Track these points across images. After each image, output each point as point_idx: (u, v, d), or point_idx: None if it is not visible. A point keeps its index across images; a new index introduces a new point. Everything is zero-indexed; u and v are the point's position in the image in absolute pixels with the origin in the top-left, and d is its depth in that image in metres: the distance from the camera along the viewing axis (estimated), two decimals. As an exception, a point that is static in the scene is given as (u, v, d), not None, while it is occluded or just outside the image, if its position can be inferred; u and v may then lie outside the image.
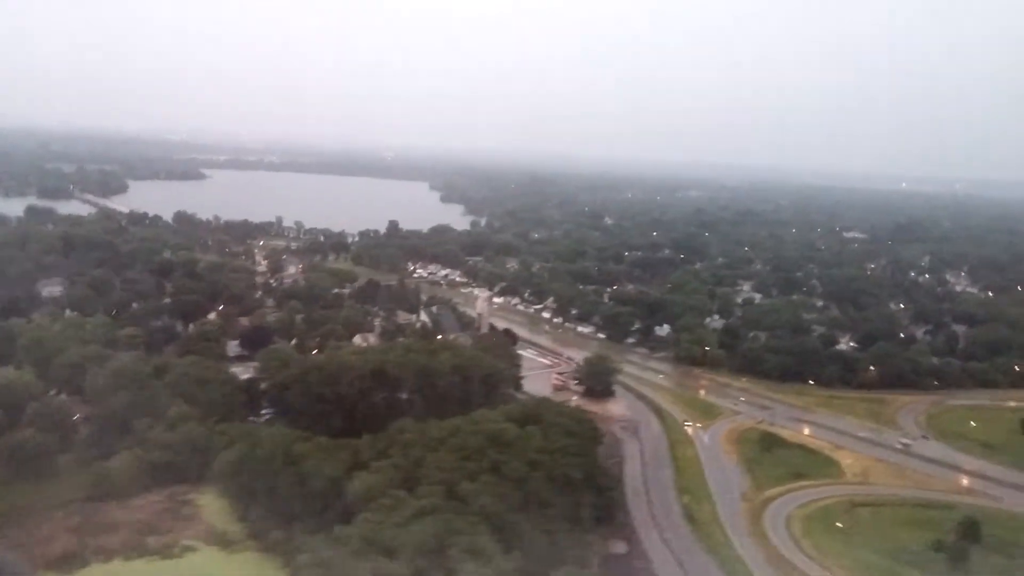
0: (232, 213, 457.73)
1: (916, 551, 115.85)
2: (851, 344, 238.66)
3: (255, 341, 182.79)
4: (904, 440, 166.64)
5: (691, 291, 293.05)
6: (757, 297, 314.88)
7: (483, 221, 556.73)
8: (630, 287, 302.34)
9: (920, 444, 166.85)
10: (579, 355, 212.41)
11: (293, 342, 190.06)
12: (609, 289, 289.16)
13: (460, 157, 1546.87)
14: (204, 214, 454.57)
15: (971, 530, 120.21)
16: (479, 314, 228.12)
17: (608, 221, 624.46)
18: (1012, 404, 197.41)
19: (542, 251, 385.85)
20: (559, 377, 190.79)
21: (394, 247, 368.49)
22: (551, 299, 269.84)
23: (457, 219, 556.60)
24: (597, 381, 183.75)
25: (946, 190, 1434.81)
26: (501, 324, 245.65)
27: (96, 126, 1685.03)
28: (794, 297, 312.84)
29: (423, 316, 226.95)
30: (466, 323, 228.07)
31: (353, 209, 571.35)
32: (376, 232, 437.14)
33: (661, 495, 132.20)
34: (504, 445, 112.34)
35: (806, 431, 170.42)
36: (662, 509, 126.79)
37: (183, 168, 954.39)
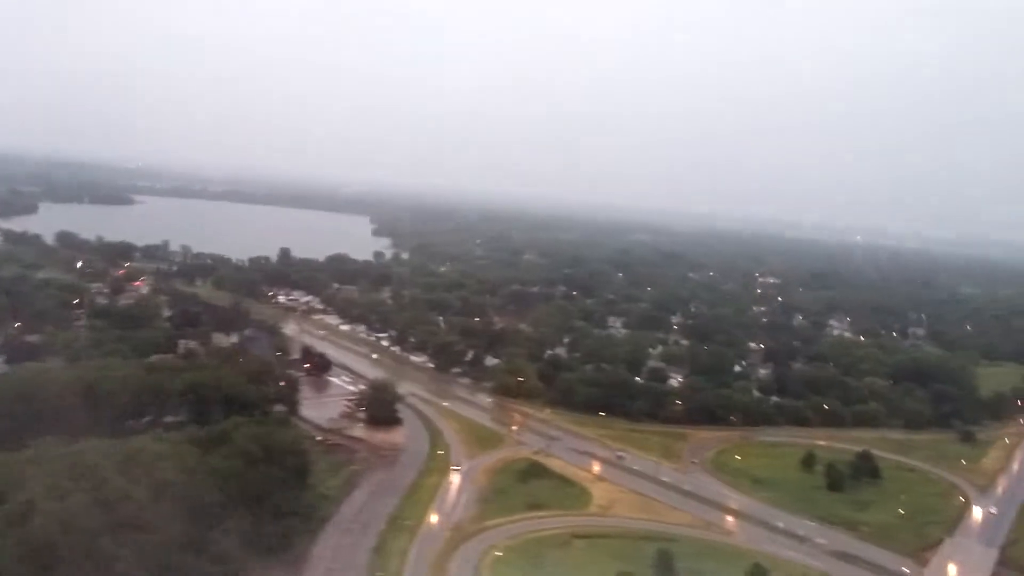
0: (130, 236, 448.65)
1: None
2: (679, 380, 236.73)
3: (17, 356, 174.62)
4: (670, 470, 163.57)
5: (547, 324, 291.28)
6: (621, 332, 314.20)
7: (389, 254, 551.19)
8: (490, 319, 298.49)
9: (685, 478, 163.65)
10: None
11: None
12: (460, 320, 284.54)
13: (418, 194, 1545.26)
14: (94, 236, 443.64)
15: (664, 562, 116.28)
16: (290, 338, 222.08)
17: (527, 257, 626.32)
18: (816, 442, 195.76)
19: (427, 282, 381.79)
20: (348, 404, 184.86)
21: (261, 273, 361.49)
22: (393, 329, 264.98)
23: (375, 250, 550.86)
24: (380, 408, 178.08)
25: (898, 244, 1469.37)
26: (333, 350, 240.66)
27: (44, 150, 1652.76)
28: (658, 334, 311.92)
29: (236, 339, 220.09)
30: (285, 348, 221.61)
31: (266, 238, 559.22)
32: (267, 259, 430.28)
33: (365, 526, 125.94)
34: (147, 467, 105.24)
35: (578, 463, 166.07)
36: (353, 540, 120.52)
37: (111, 193, 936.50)
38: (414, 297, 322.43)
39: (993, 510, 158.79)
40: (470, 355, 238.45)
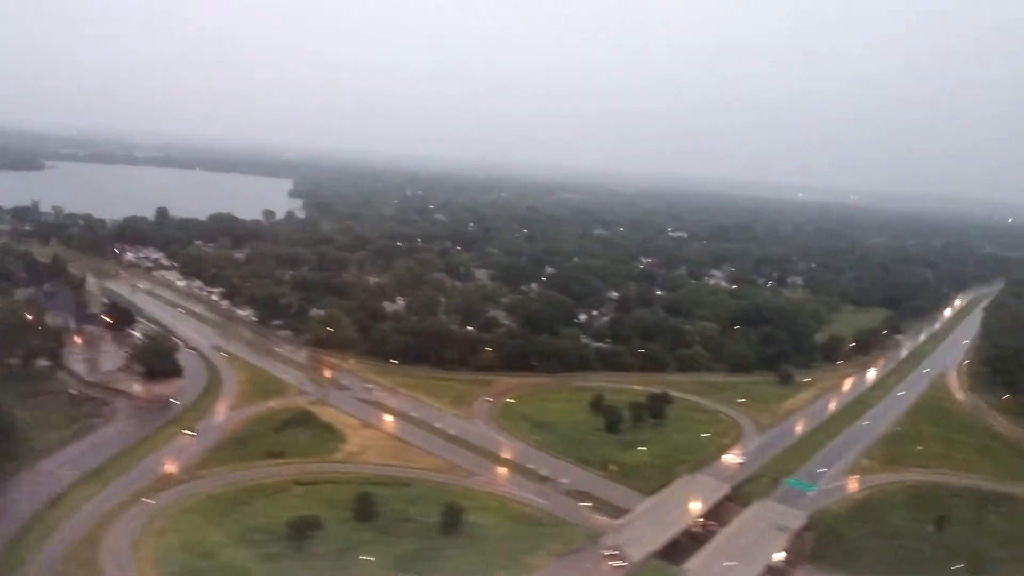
0: (20, 200, 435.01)
1: (268, 529, 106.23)
2: (512, 328, 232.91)
3: None
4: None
5: (401, 277, 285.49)
6: (490, 284, 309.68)
7: (284, 212, 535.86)
8: (340, 273, 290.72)
9: (462, 423, 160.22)
10: (206, 337, 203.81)
11: None
12: (308, 274, 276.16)
13: (360, 159, 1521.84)
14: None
15: (362, 505, 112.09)
16: (89, 292, 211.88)
17: (437, 216, 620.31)
18: (625, 385, 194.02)
19: (297, 238, 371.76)
20: (127, 357, 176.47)
21: (123, 232, 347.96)
22: (228, 284, 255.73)
23: (266, 209, 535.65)
24: (158, 360, 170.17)
25: (839, 200, 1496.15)
26: (153, 305, 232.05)
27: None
28: (521, 285, 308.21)
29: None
30: (87, 302, 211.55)
31: (165, 199, 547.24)
32: (144, 219, 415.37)
33: (58, 479, 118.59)
34: None
35: (352, 411, 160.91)
36: (32, 492, 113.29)
37: (21, 159, 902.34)
38: (270, 253, 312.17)
39: (756, 443, 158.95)
40: (295, 308, 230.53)
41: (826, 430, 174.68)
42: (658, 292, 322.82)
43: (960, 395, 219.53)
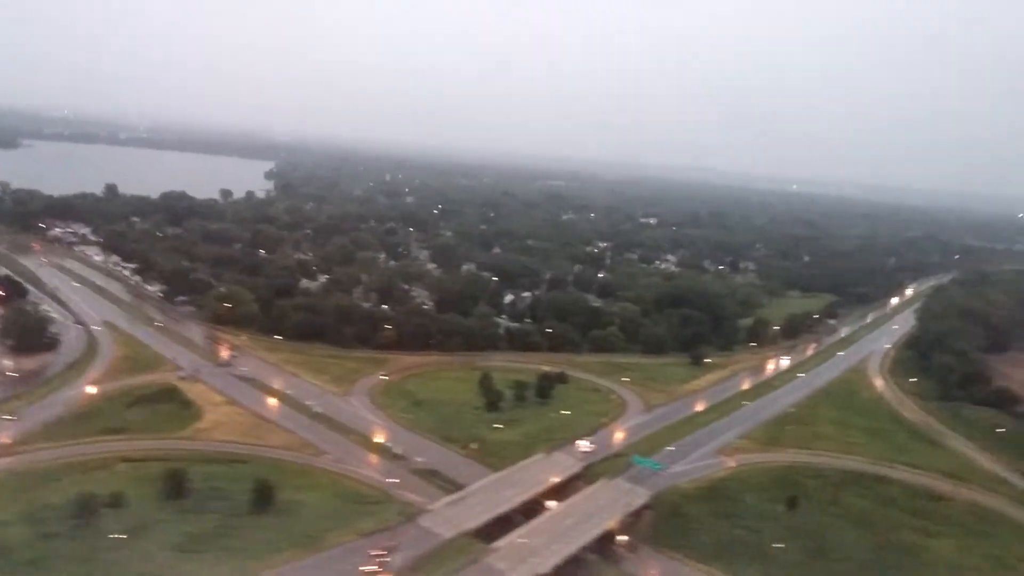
0: None
1: (61, 507, 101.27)
2: (426, 306, 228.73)
3: None
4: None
5: (330, 256, 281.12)
6: (424, 264, 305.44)
7: (244, 192, 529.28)
8: (268, 252, 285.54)
9: (336, 401, 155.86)
10: (101, 312, 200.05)
11: None
12: (235, 252, 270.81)
13: (355, 146, 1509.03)
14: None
15: (172, 481, 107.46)
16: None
17: (409, 199, 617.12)
18: (529, 365, 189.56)
19: (241, 217, 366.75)
20: None
21: (48, 207, 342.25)
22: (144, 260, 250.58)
23: (246, 189, 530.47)
24: (28, 333, 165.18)
25: (832, 192, 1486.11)
26: (59, 280, 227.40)
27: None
28: (465, 268, 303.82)
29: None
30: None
31: (128, 178, 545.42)
32: (92, 195, 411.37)
33: None
34: None
35: (222, 387, 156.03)
36: None
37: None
38: (201, 230, 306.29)
39: (636, 422, 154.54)
40: (203, 284, 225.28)
41: (717, 411, 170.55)
42: (600, 275, 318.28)
43: (876, 379, 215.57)
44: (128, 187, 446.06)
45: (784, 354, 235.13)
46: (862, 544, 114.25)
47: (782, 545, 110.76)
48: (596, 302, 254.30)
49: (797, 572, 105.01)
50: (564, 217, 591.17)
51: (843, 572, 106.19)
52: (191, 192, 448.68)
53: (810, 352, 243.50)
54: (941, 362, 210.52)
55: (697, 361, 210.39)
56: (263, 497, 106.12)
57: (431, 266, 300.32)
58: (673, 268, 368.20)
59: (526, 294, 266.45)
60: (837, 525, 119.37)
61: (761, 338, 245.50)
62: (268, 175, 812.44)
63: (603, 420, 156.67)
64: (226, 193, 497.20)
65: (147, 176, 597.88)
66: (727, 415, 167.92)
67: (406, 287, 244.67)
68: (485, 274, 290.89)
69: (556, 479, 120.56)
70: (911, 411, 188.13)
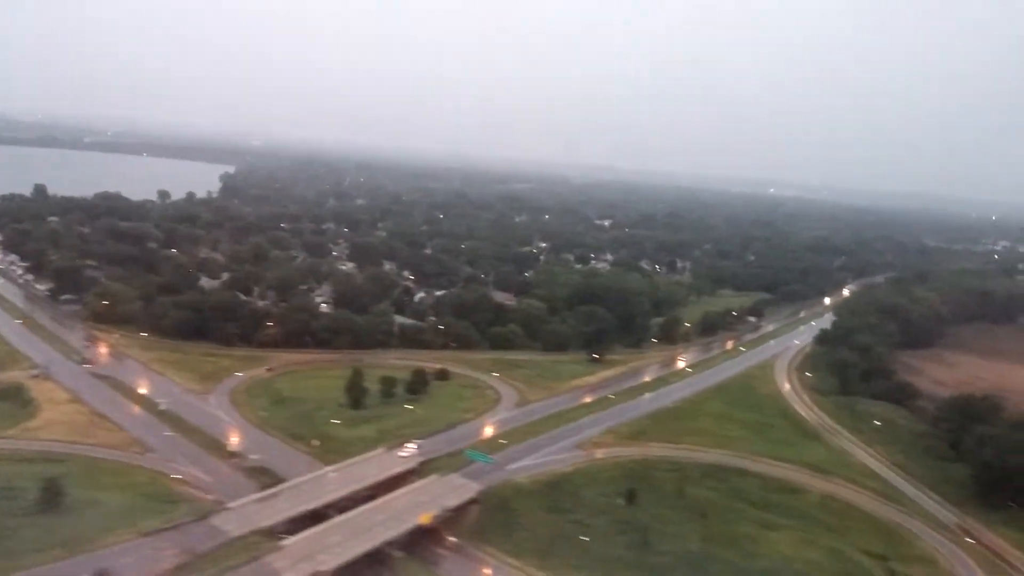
0: None
1: None
2: (323, 303, 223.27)
3: None
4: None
5: (237, 254, 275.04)
6: (348, 265, 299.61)
7: (185, 194, 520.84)
8: (174, 251, 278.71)
9: (190, 399, 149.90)
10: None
11: None
12: (141, 252, 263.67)
13: (322, 148, 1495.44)
14: None
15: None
16: None
17: (360, 202, 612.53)
18: (412, 363, 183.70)
19: (163, 215, 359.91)
20: None
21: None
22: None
23: (161, 190, 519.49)
24: None
25: (808, 196, 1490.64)
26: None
27: None
28: (385, 267, 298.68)
29: None
30: None
31: (66, 178, 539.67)
32: (21, 195, 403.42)
33: None
34: None
35: (73, 385, 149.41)
36: None
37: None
38: (113, 229, 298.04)
39: (502, 417, 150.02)
40: (91, 282, 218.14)
41: (595, 406, 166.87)
42: (527, 273, 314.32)
43: (780, 375, 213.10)
44: (63, 188, 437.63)
45: (695, 351, 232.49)
46: (693, 537, 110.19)
47: (607, 539, 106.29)
48: (510, 300, 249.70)
49: (615, 566, 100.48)
50: (517, 219, 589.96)
51: (662, 565, 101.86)
52: (129, 194, 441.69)
53: (722, 349, 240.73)
54: (842, 358, 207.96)
55: (595, 358, 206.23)
56: (50, 496, 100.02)
57: (349, 265, 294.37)
58: (607, 267, 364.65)
59: (440, 292, 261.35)
60: (674, 518, 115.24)
61: (672, 336, 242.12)
62: (223, 178, 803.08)
63: (467, 416, 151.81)
64: (164, 194, 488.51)
65: (92, 178, 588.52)
66: (605, 410, 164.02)
67: (308, 286, 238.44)
68: (405, 273, 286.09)
69: (383, 475, 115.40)
70: (804, 406, 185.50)
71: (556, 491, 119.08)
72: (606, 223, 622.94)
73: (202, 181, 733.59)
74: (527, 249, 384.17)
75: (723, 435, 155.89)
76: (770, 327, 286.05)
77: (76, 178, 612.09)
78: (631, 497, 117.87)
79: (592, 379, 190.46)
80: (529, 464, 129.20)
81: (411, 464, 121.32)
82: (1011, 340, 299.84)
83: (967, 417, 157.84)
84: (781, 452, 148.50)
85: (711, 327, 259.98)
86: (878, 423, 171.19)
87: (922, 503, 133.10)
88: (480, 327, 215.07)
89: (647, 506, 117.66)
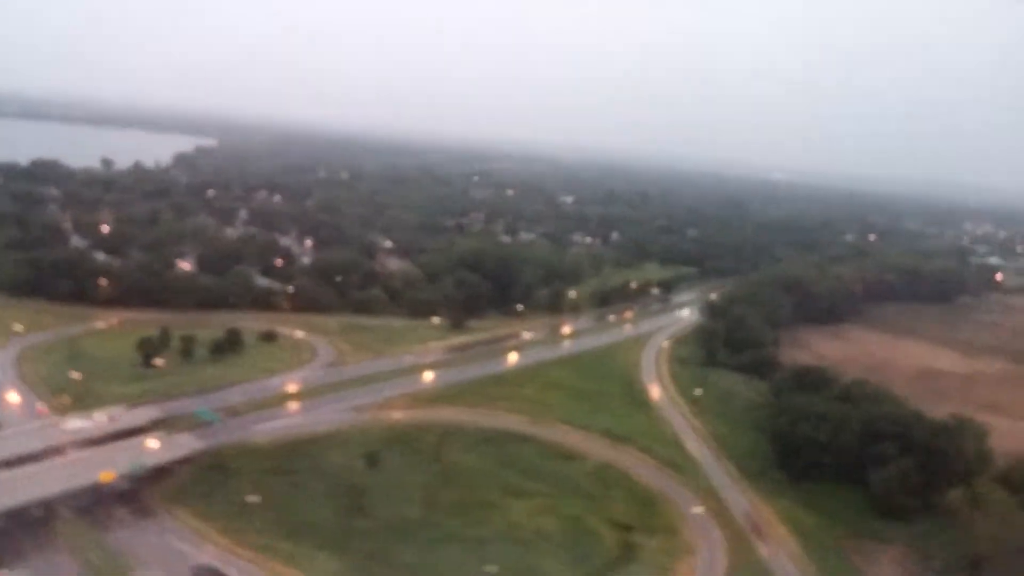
0: None
1: None
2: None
3: None
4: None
5: (130, 219, 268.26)
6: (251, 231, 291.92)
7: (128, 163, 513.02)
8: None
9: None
10: None
11: None
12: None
13: (327, 129, 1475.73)
14: None
15: None
16: None
17: (321, 175, 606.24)
18: (252, 325, 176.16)
19: (83, 180, 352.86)
20: None
21: None
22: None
23: (104, 158, 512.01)
24: None
25: (806, 180, 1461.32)
26: None
27: None
28: (276, 232, 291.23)
29: None
30: None
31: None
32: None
33: None
34: None
35: None
36: None
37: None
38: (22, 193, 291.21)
39: (311, 377, 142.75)
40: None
41: (417, 369, 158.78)
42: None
43: (653, 347, 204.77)
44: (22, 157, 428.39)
45: (586, 321, 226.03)
46: (419, 504, 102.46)
47: (319, 503, 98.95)
48: (393, 265, 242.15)
49: (309, 530, 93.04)
50: (479, 194, 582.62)
51: (363, 530, 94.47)
52: (70, 162, 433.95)
53: (616, 319, 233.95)
54: (708, 328, 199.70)
55: (456, 325, 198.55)
56: None
57: (251, 231, 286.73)
58: (534, 239, 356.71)
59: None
60: (411, 484, 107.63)
61: (559, 305, 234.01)
62: (196, 151, 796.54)
63: (259, 376, 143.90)
64: (108, 163, 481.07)
65: (43, 149, 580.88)
66: (424, 374, 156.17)
67: (182, 249, 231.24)
68: (306, 240, 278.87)
69: (93, 433, 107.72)
70: (656, 376, 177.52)
71: (294, 453, 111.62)
72: (568, 199, 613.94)
73: (160, 153, 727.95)
74: (457, 221, 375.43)
75: (540, 402, 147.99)
76: (682, 299, 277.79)
77: (53, 148, 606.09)
78: (373, 461, 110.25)
79: (440, 344, 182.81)
80: (287, 424, 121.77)
81: (139, 422, 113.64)
82: (932, 320, 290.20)
83: (799, 388, 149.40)
84: (591, 420, 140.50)
85: (607, 298, 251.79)
86: (719, 394, 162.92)
87: (712, 474, 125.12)
88: (346, 291, 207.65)
89: (390, 471, 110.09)
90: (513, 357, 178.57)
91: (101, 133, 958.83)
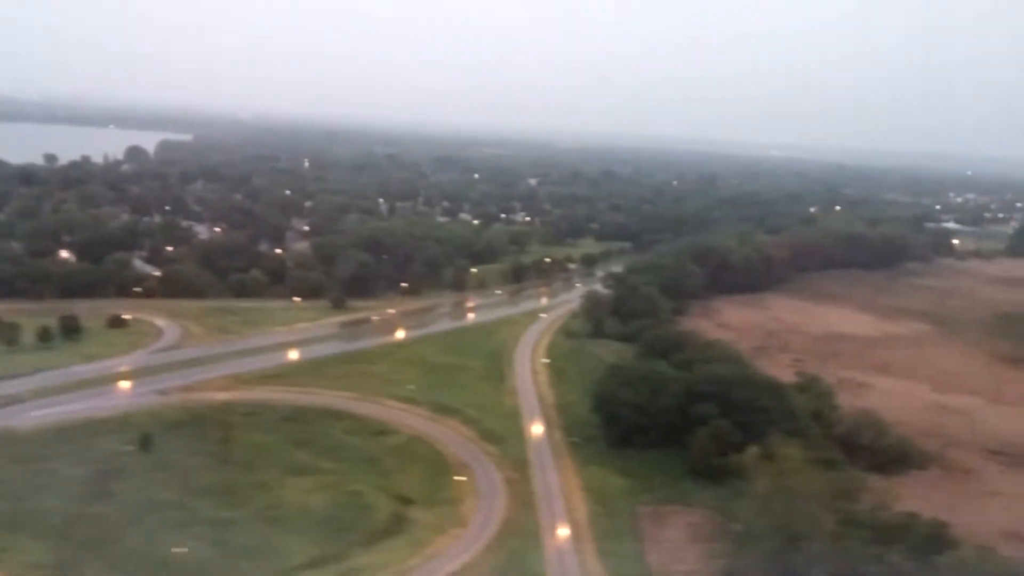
0: None
1: None
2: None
3: None
4: None
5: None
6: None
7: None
8: None
9: None
10: None
11: None
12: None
13: (294, 121, 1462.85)
14: None
15: None
16: None
17: (280, 165, 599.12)
18: (107, 311, 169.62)
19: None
20: None
21: None
22: None
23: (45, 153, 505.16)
24: None
25: (809, 156, 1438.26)
26: None
27: None
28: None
29: None
30: None
31: None
32: None
33: None
34: None
35: None
36: None
37: None
38: None
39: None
40: None
41: (262, 350, 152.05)
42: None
43: (545, 321, 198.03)
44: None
45: (495, 297, 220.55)
46: (178, 487, 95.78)
47: (55, 490, 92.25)
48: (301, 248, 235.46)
49: (41, 519, 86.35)
50: (442, 178, 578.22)
51: (100, 515, 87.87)
52: (11, 159, 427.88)
53: (520, 294, 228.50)
54: (592, 298, 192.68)
55: (337, 305, 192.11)
56: None
57: (156, 219, 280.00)
58: (470, 219, 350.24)
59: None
60: (183, 465, 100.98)
61: (461, 283, 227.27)
62: (161, 145, 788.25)
63: (76, 362, 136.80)
64: (51, 158, 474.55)
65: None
66: (267, 354, 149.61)
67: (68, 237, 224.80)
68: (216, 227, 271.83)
69: None
70: (532, 349, 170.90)
71: (57, 439, 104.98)
72: (533, 182, 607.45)
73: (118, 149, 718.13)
74: (392, 203, 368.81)
75: (385, 378, 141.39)
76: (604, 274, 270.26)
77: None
78: (146, 444, 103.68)
79: (309, 325, 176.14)
80: (68, 410, 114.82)
81: None
82: (866, 286, 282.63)
83: (656, 353, 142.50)
84: (430, 395, 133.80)
85: (520, 274, 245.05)
86: (588, 365, 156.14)
87: (534, 445, 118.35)
88: (227, 274, 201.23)
89: (162, 454, 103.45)
90: (385, 335, 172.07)
91: (77, 132, 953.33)
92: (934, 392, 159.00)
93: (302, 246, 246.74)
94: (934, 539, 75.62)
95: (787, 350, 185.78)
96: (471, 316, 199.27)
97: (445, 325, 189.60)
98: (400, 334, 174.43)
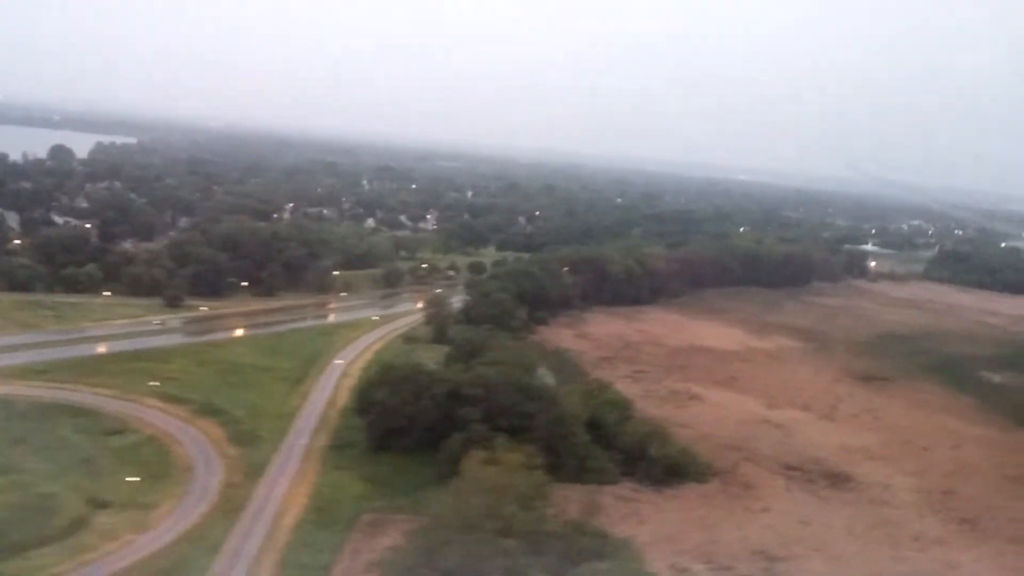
0: None
1: None
2: None
3: None
4: None
5: None
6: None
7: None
8: None
9: None
10: None
11: None
12: None
13: (264, 130, 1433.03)
14: None
15: None
16: None
17: (211, 171, 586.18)
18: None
19: None
20: None
21: None
22: None
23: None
24: None
25: (772, 181, 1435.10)
26: None
27: None
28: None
29: None
30: None
31: None
32: None
33: None
34: None
35: None
36: None
37: None
38: None
39: None
40: None
41: (47, 344, 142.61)
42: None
43: (392, 328, 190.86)
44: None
45: (366, 301, 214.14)
46: None
47: None
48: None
49: None
50: (375, 187, 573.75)
51: None
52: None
53: (389, 299, 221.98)
54: (436, 303, 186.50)
55: (173, 303, 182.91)
56: None
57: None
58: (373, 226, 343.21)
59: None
60: None
61: (325, 285, 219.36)
62: (96, 148, 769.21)
63: None
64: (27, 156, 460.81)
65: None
66: (51, 348, 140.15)
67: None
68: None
69: None
70: (359, 354, 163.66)
71: None
72: (469, 194, 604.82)
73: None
74: (294, 207, 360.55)
75: (167, 377, 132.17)
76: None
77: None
78: None
79: (128, 321, 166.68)
80: None
81: None
82: (755, 302, 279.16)
83: (464, 356, 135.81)
84: (206, 396, 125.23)
85: (395, 279, 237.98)
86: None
87: (288, 449, 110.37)
88: (61, 270, 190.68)
89: None
90: (207, 333, 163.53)
91: (23, 132, 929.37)
92: (765, 407, 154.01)
93: (157, 244, 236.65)
94: (585, 551, 69.16)
95: (635, 361, 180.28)
96: (317, 319, 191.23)
97: (283, 326, 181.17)
98: (224, 334, 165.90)
